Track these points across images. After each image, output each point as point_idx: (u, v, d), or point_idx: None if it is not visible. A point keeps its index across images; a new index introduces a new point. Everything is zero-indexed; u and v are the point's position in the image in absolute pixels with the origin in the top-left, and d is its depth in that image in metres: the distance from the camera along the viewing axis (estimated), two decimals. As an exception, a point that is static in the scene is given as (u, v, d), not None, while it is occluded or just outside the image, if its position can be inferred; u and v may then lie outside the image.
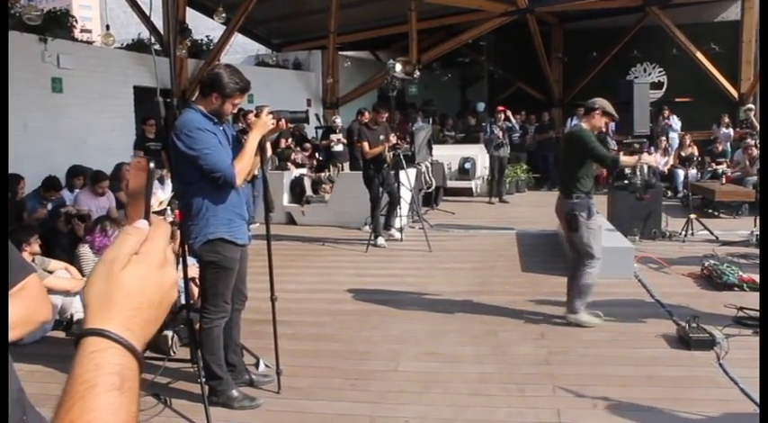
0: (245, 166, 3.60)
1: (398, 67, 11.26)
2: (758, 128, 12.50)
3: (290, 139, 11.56)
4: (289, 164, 10.92)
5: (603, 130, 6.17)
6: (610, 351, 4.68)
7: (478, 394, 4.00)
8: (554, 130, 14.53)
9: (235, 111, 3.82)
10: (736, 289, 6.07)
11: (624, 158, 5.52)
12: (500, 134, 11.96)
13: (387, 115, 9.02)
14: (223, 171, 3.50)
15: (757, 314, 5.20)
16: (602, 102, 5.37)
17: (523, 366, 4.42)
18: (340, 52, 16.22)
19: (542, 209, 10.92)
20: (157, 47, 11.40)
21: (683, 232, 8.56)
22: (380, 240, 8.30)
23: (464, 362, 4.54)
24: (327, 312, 5.68)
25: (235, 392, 3.80)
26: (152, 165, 0.83)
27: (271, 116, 3.70)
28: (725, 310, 5.47)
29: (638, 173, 9.94)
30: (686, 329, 4.77)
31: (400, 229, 8.74)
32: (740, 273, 6.32)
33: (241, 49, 17.80)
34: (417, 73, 12.86)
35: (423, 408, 3.83)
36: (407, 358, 4.61)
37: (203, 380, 3.70)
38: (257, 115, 3.75)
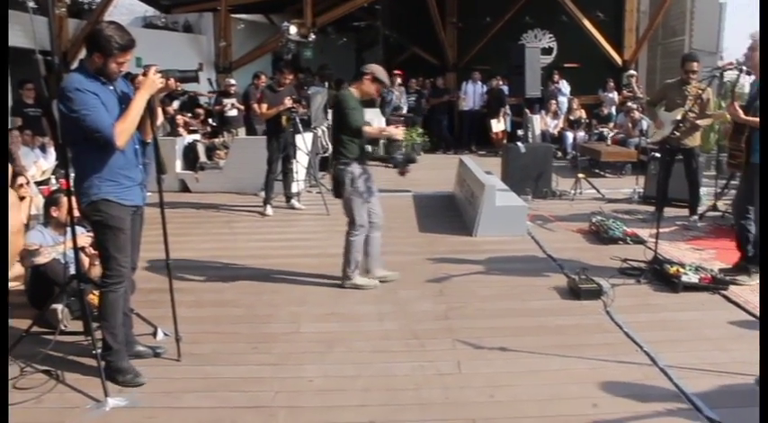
0: (128, 126, 3.44)
1: (293, 29, 11.09)
2: (638, 92, 13.20)
3: (175, 103, 11.17)
4: (180, 129, 10.56)
5: (375, 96, 5.99)
6: (505, 304, 4.84)
7: (381, 351, 4.05)
8: (449, 95, 14.73)
9: (123, 69, 3.63)
10: (620, 243, 6.43)
11: (367, 129, 5.27)
12: (397, 98, 12.03)
13: (291, 77, 8.85)
14: (102, 132, 3.36)
15: (640, 264, 5.53)
16: (373, 67, 5.26)
17: (424, 322, 4.50)
18: (232, 15, 15.71)
19: (438, 171, 11.13)
20: (33, 4, 10.65)
21: (572, 191, 8.93)
22: (268, 210, 8.19)
23: (365, 320, 4.58)
24: (227, 278, 5.58)
25: (124, 364, 3.64)
26: None
27: (159, 75, 3.56)
28: (611, 262, 5.78)
29: (530, 135, 10.25)
30: (576, 281, 5.01)
31: (298, 197, 8.64)
32: (624, 228, 6.68)
33: (127, 11, 16.92)
34: (312, 36, 12.67)
35: (326, 367, 3.84)
36: (309, 320, 4.61)
37: (98, 351, 3.55)
38: (144, 74, 3.58)
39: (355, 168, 5.15)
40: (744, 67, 5.29)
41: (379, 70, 5.21)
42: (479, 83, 14.69)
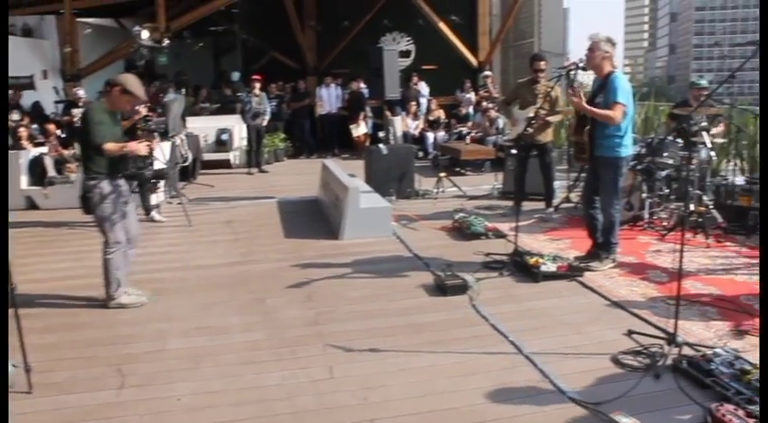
0: None
1: (145, 34, 10.63)
2: (493, 92, 13.74)
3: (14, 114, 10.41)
4: (23, 142, 9.84)
5: (128, 109, 5.72)
6: (374, 305, 4.86)
7: (250, 362, 3.94)
8: (309, 99, 14.66)
9: None
10: (483, 238, 6.65)
11: (107, 146, 4.67)
12: (257, 102, 11.83)
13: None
14: None
15: (502, 257, 5.74)
16: (123, 78, 4.87)
17: (293, 329, 4.43)
18: (78, 19, 14.85)
19: (302, 176, 11.09)
20: None
21: (435, 190, 9.15)
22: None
23: (233, 332, 4.45)
24: (82, 299, 5.21)
25: None
26: None
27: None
28: (474, 257, 5.97)
29: (392, 137, 10.39)
30: (442, 278, 5.13)
31: (158, 209, 8.29)
32: (486, 223, 6.92)
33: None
34: (167, 41, 12.18)
35: (194, 383, 3.68)
36: (174, 336, 4.41)
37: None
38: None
39: (105, 185, 4.80)
40: (582, 66, 5.61)
41: (129, 81, 4.82)
42: (333, 86, 14.72)
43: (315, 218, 7.91)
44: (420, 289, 5.18)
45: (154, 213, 8.17)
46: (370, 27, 15.76)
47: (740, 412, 3.05)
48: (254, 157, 12.22)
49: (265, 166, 12.47)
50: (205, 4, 14.25)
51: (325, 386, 3.60)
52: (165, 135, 9.09)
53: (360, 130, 14.11)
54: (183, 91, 13.56)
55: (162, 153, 8.35)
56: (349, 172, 8.16)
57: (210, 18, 15.82)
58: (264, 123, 12.19)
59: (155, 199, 8.36)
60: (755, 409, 3.08)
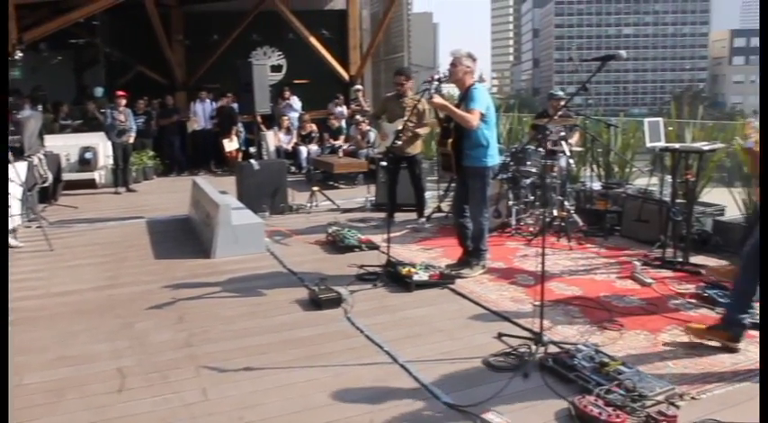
0: None
1: (-6, 47, 9.98)
2: (365, 106, 13.94)
3: None
4: None
5: None
6: (249, 323, 4.79)
7: (119, 391, 3.77)
8: (178, 115, 14.28)
9: None
10: (356, 250, 6.71)
11: None
12: (123, 119, 11.38)
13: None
14: None
15: (376, 269, 5.82)
16: None
17: (164, 353, 4.29)
18: None
19: (172, 195, 10.78)
20: None
21: (309, 204, 9.15)
22: None
23: (100, 360, 4.23)
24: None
25: None
26: None
27: None
28: (348, 269, 6.02)
29: (264, 152, 10.30)
30: (316, 292, 5.14)
31: (14, 234, 7.79)
32: (359, 235, 6.99)
33: None
34: (19, 54, 11.52)
35: (58, 418, 3.47)
36: (33, 369, 4.13)
37: None
38: None
39: None
40: (442, 79, 5.82)
41: None
42: (208, 101, 14.45)
43: (186, 237, 7.70)
44: (295, 304, 5.16)
45: (10, 238, 7.67)
46: (241, 42, 15.61)
47: (600, 402, 3.25)
48: (120, 176, 11.72)
49: (133, 185, 11.99)
50: (61, 16, 13.56)
51: (200, 409, 3.51)
52: (20, 154, 8.58)
53: (232, 145, 13.90)
54: (40, 107, 12.84)
55: (17, 173, 7.86)
56: (221, 189, 8.01)
57: (70, 30, 15.11)
58: (131, 140, 11.74)
59: (10, 223, 7.85)
60: (613, 398, 3.31)
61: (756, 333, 4.33)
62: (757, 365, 3.87)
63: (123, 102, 11.62)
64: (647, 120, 6.93)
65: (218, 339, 4.50)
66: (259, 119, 9.99)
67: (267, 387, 3.73)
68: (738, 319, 4.04)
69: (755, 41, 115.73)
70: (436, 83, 5.79)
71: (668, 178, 6.87)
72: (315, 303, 5.08)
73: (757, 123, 4.09)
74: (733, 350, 4.06)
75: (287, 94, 14.94)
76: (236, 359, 4.10)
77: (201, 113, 14.37)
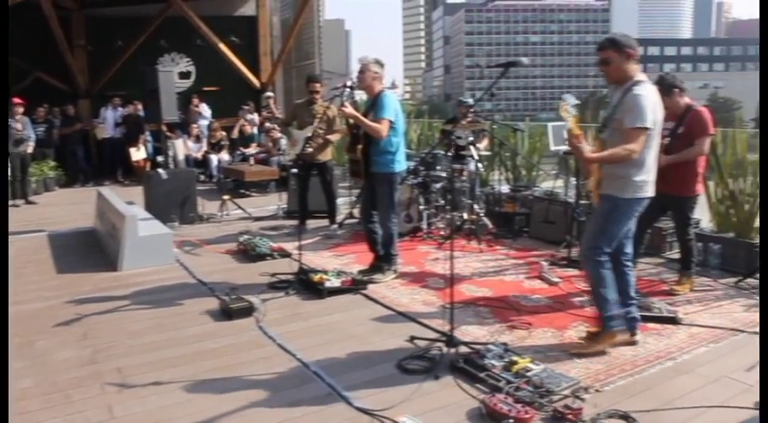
0: None
1: None
2: (276, 113, 13.84)
3: None
4: None
5: None
6: (157, 336, 4.66)
7: (17, 414, 3.59)
8: (81, 123, 13.75)
9: None
10: (268, 258, 6.64)
11: None
12: (20, 128, 10.88)
13: None
14: None
15: (288, 277, 5.78)
16: None
17: (67, 372, 4.11)
18: None
19: (76, 206, 10.38)
20: None
21: (219, 213, 9.00)
22: None
23: (-5, 383, 4.03)
24: None
25: None
26: None
27: None
28: (260, 278, 5.95)
29: (173, 161, 10.07)
30: (227, 302, 5.05)
31: None
32: (271, 243, 6.93)
33: None
34: None
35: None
36: None
37: None
38: None
39: None
40: (353, 86, 5.86)
41: None
42: (119, 108, 14.01)
43: (91, 250, 7.42)
44: (205, 315, 5.06)
45: None
46: (148, 48, 15.19)
47: (510, 399, 3.35)
48: (19, 188, 11.18)
49: (33, 197, 11.46)
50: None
51: (105, 428, 3.39)
52: None
53: (139, 154, 13.51)
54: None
55: None
56: (128, 199, 7.78)
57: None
58: (29, 150, 11.24)
59: None
60: (522, 394, 3.42)
61: (656, 326, 4.57)
62: (656, 356, 4.08)
63: (20, 110, 11.12)
64: (550, 124, 7.18)
65: (125, 354, 4.36)
66: (164, 127, 9.73)
67: (176, 401, 3.64)
68: (610, 317, 4.14)
69: (652, 50, 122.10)
70: (347, 90, 5.81)
71: (573, 180, 7.14)
72: (226, 314, 4.99)
73: (571, 104, 4.05)
74: (632, 343, 4.24)
75: (195, 101, 14.65)
76: (144, 374, 3.99)
77: (112, 121, 13.93)
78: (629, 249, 4.26)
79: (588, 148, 4.05)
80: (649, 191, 4.10)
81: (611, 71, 4.05)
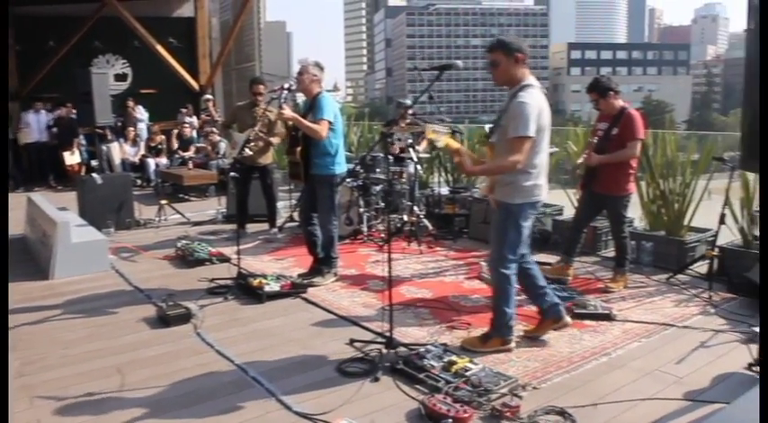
0: None
1: None
2: (215, 116, 13.67)
3: None
4: None
5: None
6: (91, 346, 4.53)
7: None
8: (10, 128, 13.28)
9: None
10: (207, 263, 6.54)
11: None
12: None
13: None
14: None
15: (227, 282, 5.70)
16: None
17: (-7, 385, 3.97)
18: None
19: (10, 212, 9.99)
20: None
21: (157, 218, 8.82)
22: None
23: None
24: None
25: None
26: None
27: None
28: (198, 284, 5.86)
29: (109, 165, 9.82)
30: (164, 308, 4.95)
31: None
32: (210, 248, 6.83)
33: None
34: None
35: None
36: None
37: None
38: None
39: None
40: (291, 88, 5.82)
41: None
42: (43, 112, 13.56)
43: (20, 258, 7.16)
44: (141, 323, 4.95)
45: None
46: (81, 49, 14.80)
47: (448, 399, 3.37)
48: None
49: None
50: None
51: (33, 442, 3.28)
52: None
53: (73, 158, 13.13)
54: None
55: None
56: (61, 205, 7.55)
57: None
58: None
59: None
60: (461, 394, 3.46)
61: (592, 323, 4.68)
62: (591, 352, 4.18)
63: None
64: (488, 126, 7.25)
65: (57, 366, 4.22)
66: (98, 130, 9.49)
67: (110, 412, 3.54)
68: (501, 326, 4.24)
69: (589, 54, 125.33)
70: (286, 92, 5.77)
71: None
72: (163, 320, 4.89)
73: (433, 129, 4.23)
74: (566, 325, 4.43)
75: (132, 103, 14.32)
76: (77, 385, 3.86)
77: (35, 125, 13.46)
78: (524, 250, 4.29)
79: (469, 162, 4.04)
80: (542, 194, 4.15)
81: (499, 73, 4.03)
